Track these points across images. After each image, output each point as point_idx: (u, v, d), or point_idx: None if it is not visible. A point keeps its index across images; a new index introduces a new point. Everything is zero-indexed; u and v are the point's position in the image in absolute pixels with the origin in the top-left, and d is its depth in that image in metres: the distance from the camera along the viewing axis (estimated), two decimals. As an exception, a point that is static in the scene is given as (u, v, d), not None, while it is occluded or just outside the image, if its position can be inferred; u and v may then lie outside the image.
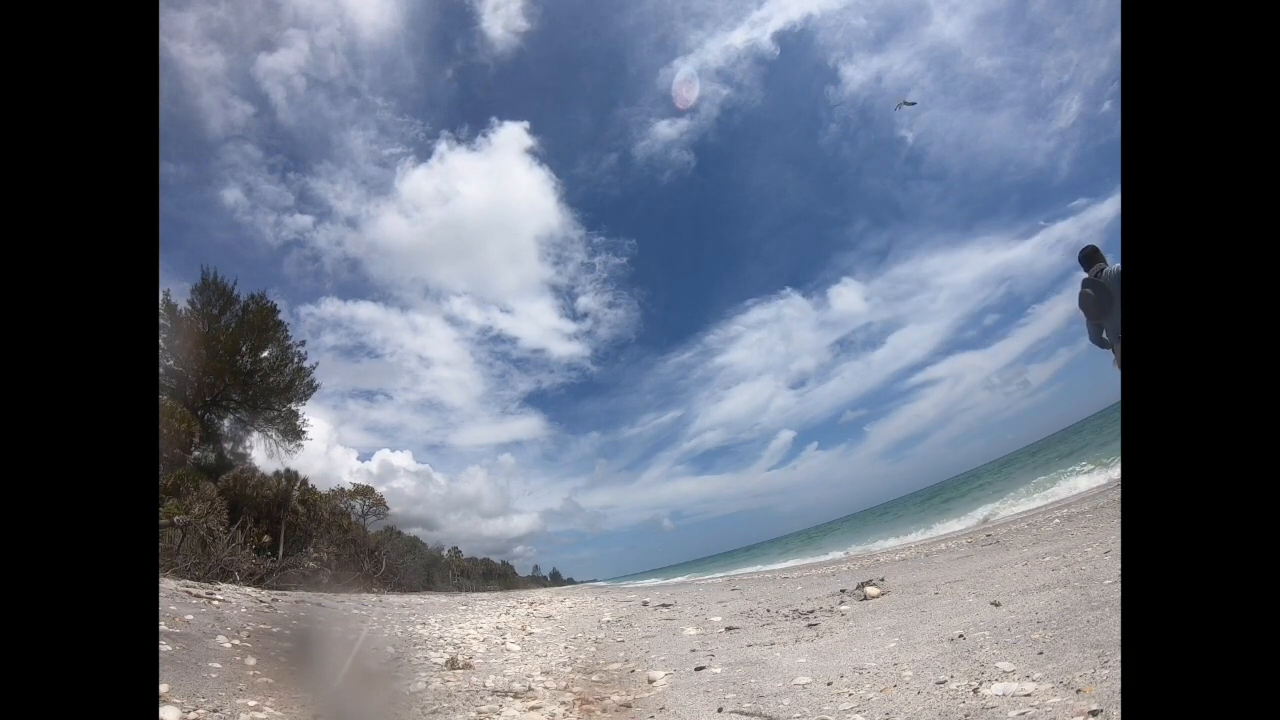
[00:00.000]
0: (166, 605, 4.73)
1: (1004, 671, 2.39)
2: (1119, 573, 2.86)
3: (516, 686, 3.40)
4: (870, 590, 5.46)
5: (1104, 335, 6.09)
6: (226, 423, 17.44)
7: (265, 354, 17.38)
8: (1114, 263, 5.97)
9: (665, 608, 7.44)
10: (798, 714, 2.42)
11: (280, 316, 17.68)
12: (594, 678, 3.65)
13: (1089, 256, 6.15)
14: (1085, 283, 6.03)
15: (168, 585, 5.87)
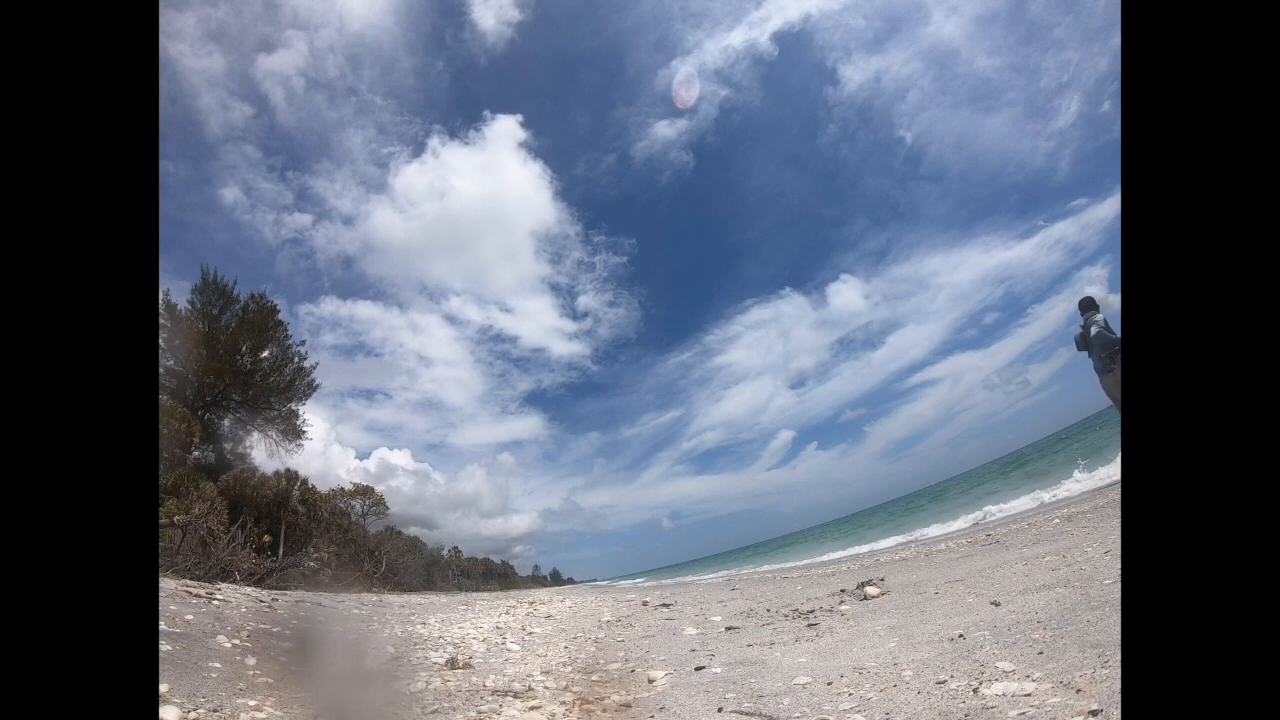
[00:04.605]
0: (166, 605, 4.73)
1: (1004, 671, 2.39)
2: (1119, 573, 2.86)
3: (516, 686, 3.40)
4: (870, 590, 5.46)
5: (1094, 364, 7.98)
6: (226, 423, 17.45)
7: (265, 354, 17.38)
8: (1099, 316, 7.91)
9: (665, 607, 7.43)
10: (798, 714, 2.42)
11: (280, 316, 17.70)
12: (594, 677, 3.65)
13: (1084, 306, 8.14)
14: (1082, 325, 8.06)
15: (168, 585, 5.87)
